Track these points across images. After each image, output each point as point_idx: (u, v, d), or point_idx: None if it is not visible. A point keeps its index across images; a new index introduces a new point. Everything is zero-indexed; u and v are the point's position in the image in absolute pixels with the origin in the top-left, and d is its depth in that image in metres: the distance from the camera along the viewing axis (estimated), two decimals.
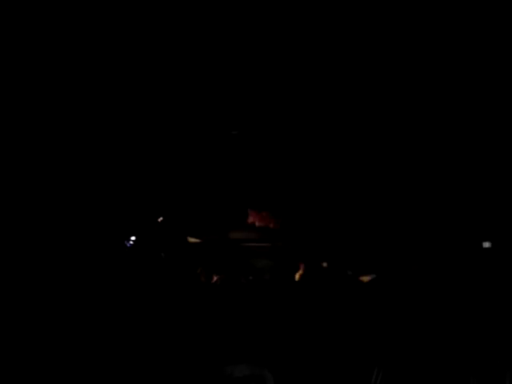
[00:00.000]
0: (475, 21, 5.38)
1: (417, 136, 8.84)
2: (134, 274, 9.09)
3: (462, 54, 6.11)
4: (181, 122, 8.48)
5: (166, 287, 7.70)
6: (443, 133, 8.60)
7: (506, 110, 7.52)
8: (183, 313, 5.88)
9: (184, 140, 9.24)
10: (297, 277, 9.46)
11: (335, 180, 10.83)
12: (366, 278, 7.15)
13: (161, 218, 11.07)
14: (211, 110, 8.05)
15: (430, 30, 5.60)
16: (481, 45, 5.86)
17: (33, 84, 6.48)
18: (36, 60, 6.13)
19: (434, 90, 7.10)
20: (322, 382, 4.44)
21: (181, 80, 6.97)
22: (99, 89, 6.97)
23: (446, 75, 6.68)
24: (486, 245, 8.94)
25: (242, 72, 6.79)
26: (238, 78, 6.97)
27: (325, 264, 9.09)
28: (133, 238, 10.20)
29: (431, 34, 5.69)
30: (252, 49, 6.18)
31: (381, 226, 10.27)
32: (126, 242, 10.03)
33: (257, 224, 11.92)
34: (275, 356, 4.60)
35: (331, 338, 4.93)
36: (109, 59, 6.35)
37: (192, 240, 12.20)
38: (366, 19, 5.47)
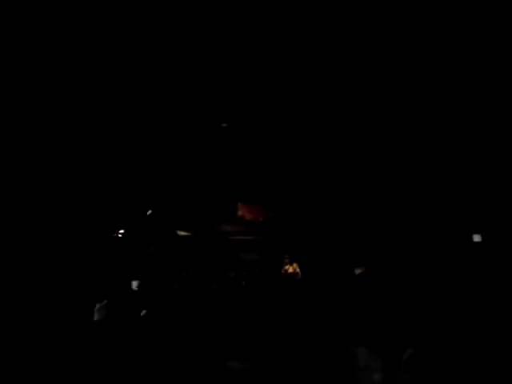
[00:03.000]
0: (475, 21, 5.36)
1: (409, 132, 8.86)
2: (124, 267, 9.03)
3: (462, 54, 6.10)
4: (171, 115, 8.38)
5: (156, 280, 7.66)
6: (436, 129, 8.63)
7: (498, 108, 7.56)
8: (174, 306, 5.84)
9: (174, 133, 9.14)
10: (289, 270, 9.46)
11: (326, 173, 10.82)
12: (357, 271, 7.16)
13: (150, 211, 10.97)
14: (201, 103, 7.97)
15: (430, 30, 5.57)
16: (481, 45, 5.85)
17: (33, 84, 6.35)
18: (36, 60, 6.00)
19: (434, 90, 7.11)
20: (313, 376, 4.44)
21: (172, 74, 6.87)
22: (89, 84, 6.84)
23: (445, 75, 6.68)
24: (477, 238, 9.01)
25: (233, 66, 6.71)
26: (228, 72, 6.89)
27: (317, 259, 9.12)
28: (122, 230, 10.11)
29: (431, 34, 5.66)
30: (243, 43, 6.11)
31: (371, 219, 10.30)
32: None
33: (246, 217, 11.87)
34: (268, 348, 4.59)
35: (320, 330, 4.93)
36: (103, 54, 6.23)
37: (181, 233, 12.12)
38: (367, 19, 5.43)
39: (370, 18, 5.56)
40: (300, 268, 9.47)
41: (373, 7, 5.25)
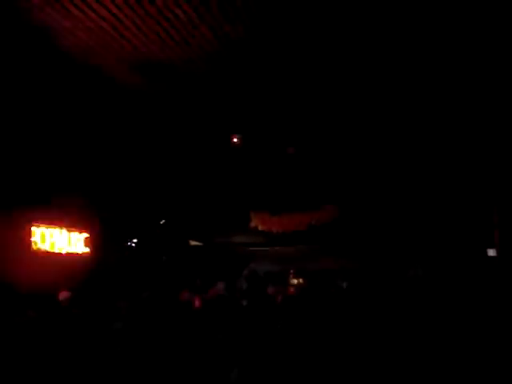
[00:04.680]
0: (475, 21, 5.32)
1: (423, 141, 8.78)
2: (136, 275, 9.09)
3: (462, 54, 6.04)
4: (184, 125, 8.45)
5: (167, 289, 7.66)
6: (449, 139, 8.54)
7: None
8: (183, 315, 5.84)
9: (187, 143, 9.21)
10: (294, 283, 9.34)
11: (338, 184, 10.76)
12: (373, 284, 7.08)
13: (163, 221, 11.04)
14: (214, 113, 8.02)
15: (430, 30, 5.54)
16: (481, 45, 5.79)
17: (34, 83, 6.46)
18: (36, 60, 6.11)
19: (434, 90, 7.03)
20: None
21: (186, 82, 6.94)
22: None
23: (445, 75, 6.62)
24: (491, 253, 8.84)
25: (248, 76, 6.74)
26: (242, 82, 6.93)
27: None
28: (135, 240, 10.18)
29: (431, 35, 5.63)
30: (256, 51, 6.14)
31: (387, 233, 10.17)
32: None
33: (259, 228, 11.84)
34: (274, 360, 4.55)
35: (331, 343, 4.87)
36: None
37: (193, 243, 12.16)
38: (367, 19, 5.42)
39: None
40: (306, 282, 9.38)
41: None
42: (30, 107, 6.77)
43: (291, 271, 9.67)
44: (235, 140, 8.69)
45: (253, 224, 11.83)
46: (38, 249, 7.72)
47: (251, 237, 11.81)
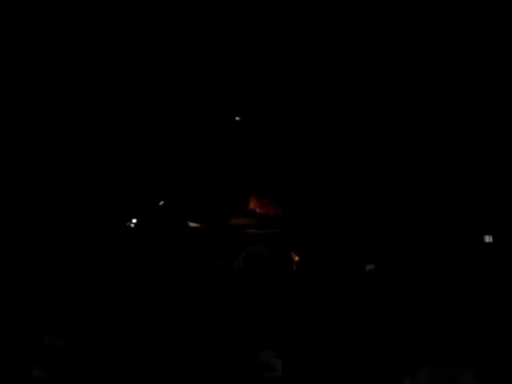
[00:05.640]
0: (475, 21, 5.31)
1: (418, 132, 8.80)
2: (135, 257, 9.12)
3: (462, 55, 6.05)
4: (184, 107, 8.42)
5: (166, 271, 7.72)
6: (445, 130, 8.56)
7: (505, 109, 7.48)
8: (183, 298, 5.88)
9: (187, 125, 9.17)
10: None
11: (337, 169, 10.78)
12: (367, 267, 7.16)
13: (162, 202, 11.04)
14: (215, 95, 7.98)
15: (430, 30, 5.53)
16: (480, 45, 5.79)
17: (33, 84, 6.39)
18: (36, 60, 6.03)
19: (433, 90, 7.06)
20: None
21: (186, 67, 6.90)
22: (98, 78, 6.90)
23: (445, 75, 6.63)
24: (488, 239, 8.92)
25: (248, 59, 6.72)
26: (242, 65, 6.90)
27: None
28: (134, 220, 10.19)
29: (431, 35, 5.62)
30: (256, 39, 6.12)
31: (382, 217, 10.25)
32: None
33: (257, 210, 11.88)
34: (278, 341, 4.60)
35: (328, 328, 4.93)
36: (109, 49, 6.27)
37: (192, 224, 12.18)
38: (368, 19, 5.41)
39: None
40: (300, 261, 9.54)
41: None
42: None
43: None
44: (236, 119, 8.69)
45: (251, 207, 11.87)
46: None
47: (249, 219, 11.85)
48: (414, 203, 9.95)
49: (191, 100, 8.24)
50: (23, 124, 7.01)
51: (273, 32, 5.88)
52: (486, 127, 8.38)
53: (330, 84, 7.36)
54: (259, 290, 6.56)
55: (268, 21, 5.70)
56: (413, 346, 4.20)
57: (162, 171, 10.42)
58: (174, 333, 4.81)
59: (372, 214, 10.45)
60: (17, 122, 6.84)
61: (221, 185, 11.39)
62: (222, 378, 4.13)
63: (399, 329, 4.73)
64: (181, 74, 7.34)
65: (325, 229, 11.04)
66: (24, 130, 7.15)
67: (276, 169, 10.98)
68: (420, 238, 9.42)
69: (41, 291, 5.54)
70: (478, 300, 5.35)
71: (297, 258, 9.93)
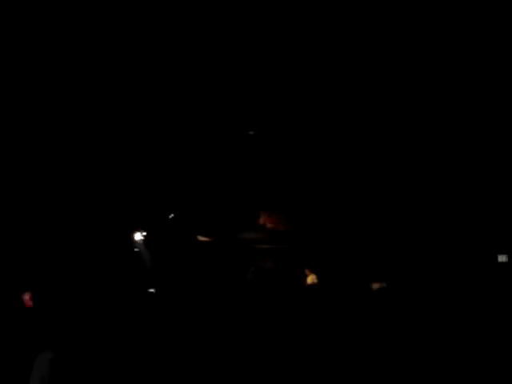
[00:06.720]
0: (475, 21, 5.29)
1: (435, 145, 8.73)
2: (143, 270, 9.14)
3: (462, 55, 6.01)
4: (196, 121, 8.47)
5: (175, 283, 7.70)
6: (461, 142, 8.48)
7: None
8: (190, 309, 5.85)
9: (198, 139, 9.23)
10: (308, 281, 9.38)
11: (349, 186, 10.73)
12: (375, 286, 7.04)
13: (172, 215, 11.07)
14: (228, 110, 8.03)
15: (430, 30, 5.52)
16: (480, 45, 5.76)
17: (33, 84, 6.49)
18: (36, 60, 6.11)
19: (434, 90, 7.01)
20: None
21: (199, 81, 6.96)
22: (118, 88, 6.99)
23: (445, 75, 6.59)
24: (502, 258, 8.76)
25: (261, 75, 6.76)
26: (256, 81, 6.94)
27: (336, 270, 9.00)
28: (144, 233, 10.23)
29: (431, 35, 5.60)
30: (270, 52, 6.14)
31: (394, 234, 10.15)
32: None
33: (268, 226, 11.84)
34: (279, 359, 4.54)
35: (336, 343, 4.85)
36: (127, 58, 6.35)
37: (202, 238, 12.17)
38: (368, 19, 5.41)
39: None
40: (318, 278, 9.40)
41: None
42: None
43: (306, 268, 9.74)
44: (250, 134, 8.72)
45: (261, 222, 11.83)
46: None
47: (259, 234, 11.81)
48: (430, 222, 9.84)
49: (204, 113, 8.29)
50: (26, 129, 7.10)
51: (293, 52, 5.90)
52: (497, 134, 8.29)
53: (345, 103, 7.36)
54: (266, 304, 6.49)
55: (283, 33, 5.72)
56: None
57: (172, 185, 10.47)
58: (177, 343, 4.78)
59: (384, 230, 10.36)
60: (18, 124, 6.93)
61: (231, 199, 11.39)
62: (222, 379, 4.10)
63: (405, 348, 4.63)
64: (196, 89, 7.40)
65: (335, 245, 10.97)
66: (29, 139, 7.24)
67: (288, 184, 10.97)
68: (435, 256, 9.29)
69: (42, 301, 5.55)
70: (490, 321, 5.23)
71: (311, 276, 9.81)
